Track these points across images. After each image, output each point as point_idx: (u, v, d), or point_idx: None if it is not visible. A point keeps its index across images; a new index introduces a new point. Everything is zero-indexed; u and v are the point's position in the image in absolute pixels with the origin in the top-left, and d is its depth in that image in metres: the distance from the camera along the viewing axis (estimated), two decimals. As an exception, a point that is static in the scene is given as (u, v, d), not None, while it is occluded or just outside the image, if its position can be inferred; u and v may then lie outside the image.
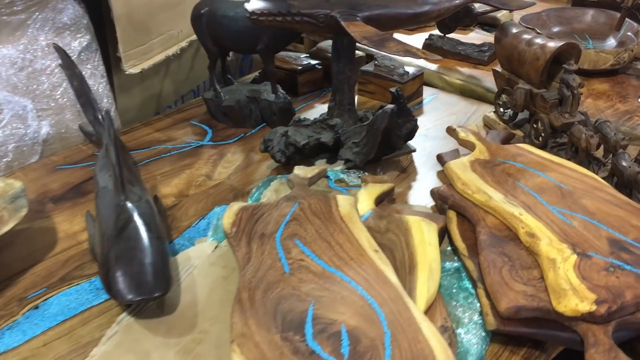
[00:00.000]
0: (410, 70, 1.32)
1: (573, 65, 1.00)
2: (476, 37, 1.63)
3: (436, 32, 1.46)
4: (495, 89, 1.18)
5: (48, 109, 1.16)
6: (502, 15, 1.72)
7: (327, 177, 1.03)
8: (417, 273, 0.73)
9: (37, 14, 1.13)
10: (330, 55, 1.06)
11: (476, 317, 0.72)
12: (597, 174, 0.93)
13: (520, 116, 1.14)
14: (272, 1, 0.92)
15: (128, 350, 0.69)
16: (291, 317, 0.64)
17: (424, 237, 0.79)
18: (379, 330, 0.62)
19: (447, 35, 1.48)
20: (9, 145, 1.09)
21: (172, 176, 1.06)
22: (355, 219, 0.80)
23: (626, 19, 1.46)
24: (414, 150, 1.11)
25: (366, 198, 0.88)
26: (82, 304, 0.78)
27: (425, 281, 0.72)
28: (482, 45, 1.49)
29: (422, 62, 1.48)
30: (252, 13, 0.91)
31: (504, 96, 1.14)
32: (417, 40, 1.57)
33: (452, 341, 0.67)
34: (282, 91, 1.20)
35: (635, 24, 1.43)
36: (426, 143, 1.15)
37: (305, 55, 1.40)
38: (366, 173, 1.02)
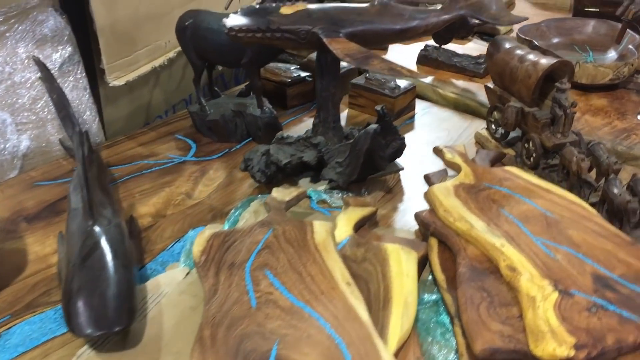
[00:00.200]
0: (402, 83, 1.28)
1: (565, 84, 0.96)
2: (474, 47, 1.59)
3: (432, 42, 1.42)
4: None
5: (28, 123, 1.13)
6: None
7: (310, 197, 0.99)
8: (392, 308, 0.70)
9: (16, 25, 1.10)
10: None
11: (452, 356, 0.69)
12: (588, 198, 0.90)
13: (513, 134, 1.10)
14: (250, 17, 0.89)
15: (86, 387, 0.66)
16: (253, 357, 0.61)
17: (402, 267, 0.75)
18: (343, 375, 0.59)
19: (442, 47, 1.45)
20: (-13, 160, 1.07)
21: (151, 194, 1.03)
22: (330, 248, 0.76)
23: (628, 30, 1.41)
24: (402, 169, 1.07)
25: (345, 223, 0.85)
26: (45, 334, 0.75)
27: (399, 317, 0.69)
28: (479, 57, 1.45)
29: (416, 74, 1.45)
30: (230, 29, 0.88)
31: (495, 113, 1.10)
32: (412, 51, 1.53)
33: (424, 384, 0.64)
34: (268, 105, 1.17)
35: (637, 36, 1.38)
36: (415, 161, 1.12)
37: (295, 66, 1.37)
38: (349, 194, 0.99)
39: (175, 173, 1.09)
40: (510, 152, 1.08)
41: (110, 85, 1.23)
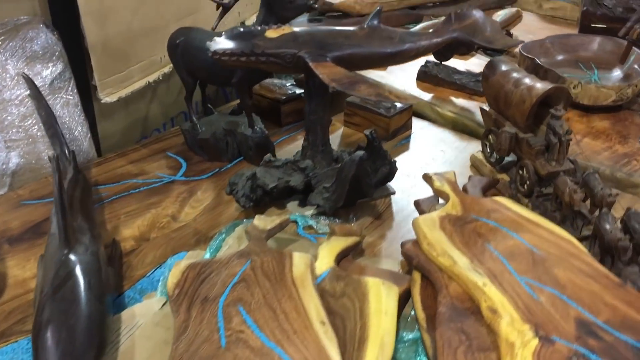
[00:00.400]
0: (398, 103, 1.26)
1: (561, 110, 0.93)
2: (478, 62, 1.56)
3: (432, 59, 1.40)
4: (487, 126, 1.12)
5: (18, 140, 1.12)
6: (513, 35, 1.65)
7: (296, 222, 0.97)
8: (367, 349, 0.67)
9: (7, 42, 1.10)
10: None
11: (428, 401, 0.66)
12: (581, 231, 0.87)
13: (509, 158, 1.07)
14: (235, 40, 0.87)
15: None
16: (218, 402, 0.59)
17: (381, 305, 0.73)
18: None
19: (443, 63, 1.43)
20: (-25, 178, 1.06)
21: (137, 216, 1.02)
22: (307, 283, 0.74)
23: (633, 48, 1.38)
24: (393, 193, 1.05)
25: (327, 254, 0.83)
26: (16, 365, 0.74)
27: (374, 359, 0.66)
28: (479, 74, 1.42)
29: (414, 92, 1.42)
30: (214, 53, 0.86)
31: (490, 137, 1.07)
32: (412, 67, 1.50)
33: None
34: (260, 125, 1.15)
35: (643, 55, 1.35)
36: (408, 184, 1.09)
37: (291, 83, 1.35)
38: (336, 220, 0.97)
39: (162, 193, 1.08)
40: (505, 177, 1.06)
41: (103, 102, 1.22)
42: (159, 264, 0.90)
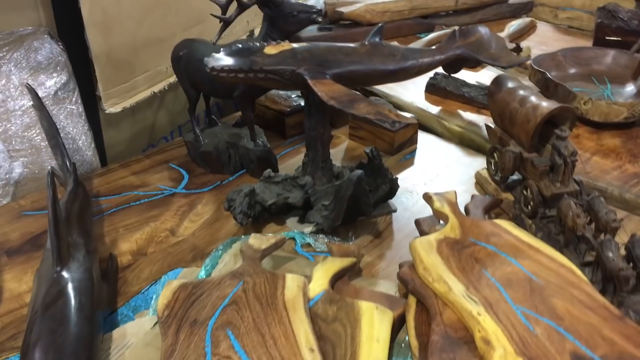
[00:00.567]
0: (405, 116, 1.24)
1: (566, 131, 0.91)
2: (488, 74, 1.53)
3: (441, 70, 1.38)
4: (495, 141, 1.10)
5: (21, 150, 1.13)
6: (523, 48, 1.62)
7: (294, 240, 0.96)
8: (356, 378, 0.66)
9: (11, 52, 1.10)
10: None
11: None
12: (584, 257, 0.84)
13: (514, 176, 1.05)
14: (233, 57, 0.86)
15: None
16: None
17: (373, 331, 0.71)
18: None
19: (452, 75, 1.40)
20: (-23, 188, 1.07)
21: (135, 229, 1.01)
22: (298, 307, 0.73)
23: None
24: (394, 211, 1.03)
25: (321, 276, 0.81)
26: (5, 383, 0.73)
27: (363, 389, 0.65)
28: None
29: (422, 105, 1.40)
30: (212, 69, 0.85)
31: (495, 155, 1.05)
32: (421, 78, 1.48)
33: None
34: (262, 138, 1.14)
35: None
36: (410, 201, 1.08)
37: (296, 94, 1.34)
38: (335, 239, 0.96)
39: (162, 206, 1.07)
40: (509, 196, 1.03)
41: (106, 112, 1.22)
42: (155, 280, 0.89)
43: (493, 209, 0.98)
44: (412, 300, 0.79)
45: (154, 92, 1.31)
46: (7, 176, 1.11)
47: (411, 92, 1.46)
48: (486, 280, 0.75)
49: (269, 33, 1.03)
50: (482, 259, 0.79)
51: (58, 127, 1.13)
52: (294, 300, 0.74)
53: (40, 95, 1.11)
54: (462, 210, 0.97)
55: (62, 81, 1.15)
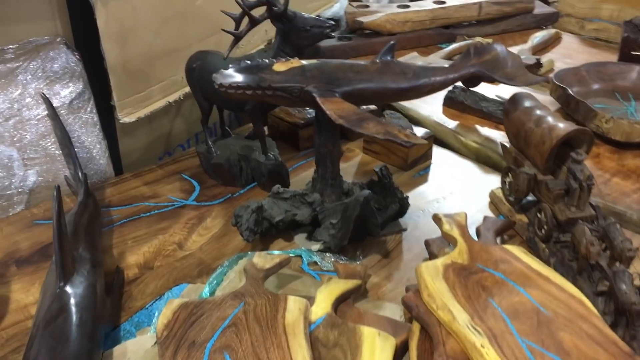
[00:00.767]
0: (419, 132, 1.22)
1: (582, 155, 0.88)
2: (508, 88, 1.50)
3: (460, 84, 1.35)
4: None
5: (36, 158, 1.14)
6: (544, 62, 1.58)
7: (301, 257, 0.95)
8: (353, 408, 0.65)
9: (27, 62, 1.11)
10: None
11: None
12: (597, 286, 0.81)
13: (530, 197, 1.02)
14: (242, 74, 0.85)
15: None
16: None
17: (374, 358, 0.70)
18: None
19: (470, 89, 1.38)
20: (-7, 195, 1.08)
21: (144, 242, 1.01)
22: (298, 331, 0.72)
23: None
24: (405, 230, 1.02)
25: (324, 298, 0.80)
26: (5, 398, 0.74)
27: (360, 420, 0.64)
28: (508, 102, 1.37)
29: (439, 118, 1.38)
30: (221, 85, 0.85)
31: (510, 175, 1.03)
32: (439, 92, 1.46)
33: None
34: (274, 151, 1.14)
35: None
36: (421, 219, 1.06)
37: (312, 107, 1.33)
38: (342, 258, 0.94)
39: (172, 219, 1.07)
40: (523, 218, 1.01)
41: (121, 122, 1.23)
42: (159, 296, 0.89)
43: (505, 232, 0.96)
44: (415, 327, 0.77)
45: (169, 101, 1.31)
46: (21, 184, 1.12)
47: (429, 105, 1.44)
48: (492, 310, 0.73)
49: (282, 47, 1.02)
50: (489, 287, 0.77)
51: (73, 136, 1.14)
52: (294, 324, 0.73)
53: (55, 105, 1.12)
54: (474, 231, 0.95)
55: (78, 90, 1.16)
